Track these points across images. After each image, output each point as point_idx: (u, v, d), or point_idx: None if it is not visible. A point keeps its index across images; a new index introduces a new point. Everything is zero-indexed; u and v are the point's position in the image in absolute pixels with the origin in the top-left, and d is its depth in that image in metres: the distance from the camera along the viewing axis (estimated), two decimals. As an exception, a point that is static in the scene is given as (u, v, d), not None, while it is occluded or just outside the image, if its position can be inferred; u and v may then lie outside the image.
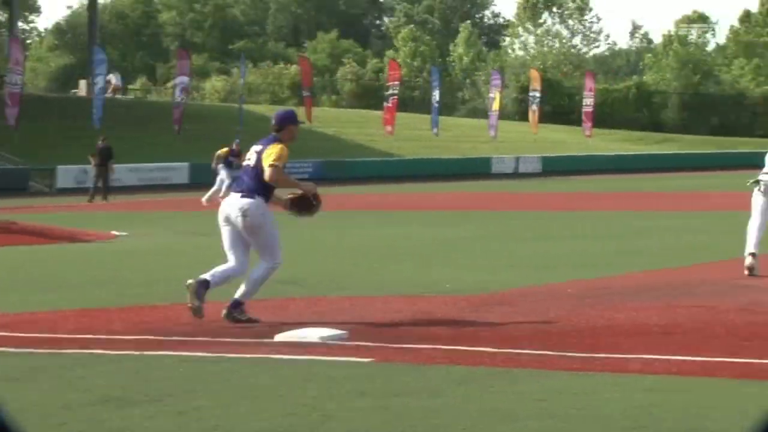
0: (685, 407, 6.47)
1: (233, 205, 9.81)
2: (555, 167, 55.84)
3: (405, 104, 71.12)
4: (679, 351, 8.18)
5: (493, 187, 41.49)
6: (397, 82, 60.14)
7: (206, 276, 9.68)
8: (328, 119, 61.93)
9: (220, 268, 9.80)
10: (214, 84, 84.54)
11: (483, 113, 71.65)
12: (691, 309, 10.28)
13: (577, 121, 71.19)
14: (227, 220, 9.84)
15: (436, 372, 7.63)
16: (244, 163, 10.14)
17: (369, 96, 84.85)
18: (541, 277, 13.06)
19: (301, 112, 59.25)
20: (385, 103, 59.44)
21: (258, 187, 9.76)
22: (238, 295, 9.77)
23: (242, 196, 9.78)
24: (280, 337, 9.01)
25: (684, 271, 13.68)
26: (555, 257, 15.86)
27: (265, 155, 9.74)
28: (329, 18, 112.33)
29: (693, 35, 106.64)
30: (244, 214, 9.69)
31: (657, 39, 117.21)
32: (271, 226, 9.83)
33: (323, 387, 7.19)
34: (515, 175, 53.83)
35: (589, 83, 67.45)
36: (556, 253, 16.54)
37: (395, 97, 58.28)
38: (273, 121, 10.03)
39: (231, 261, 9.85)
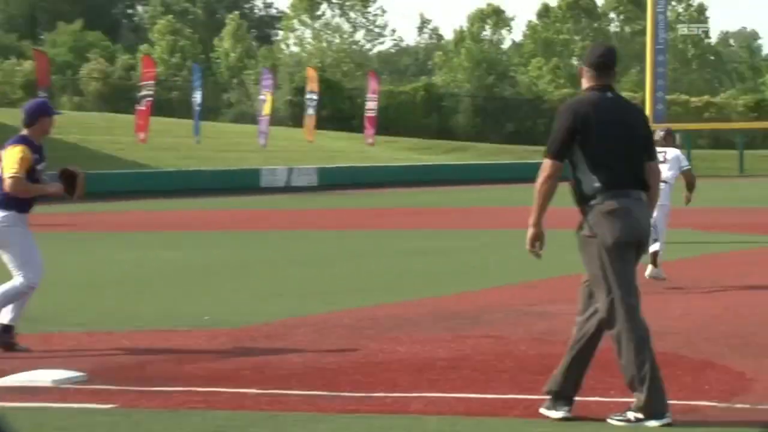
0: (471, 451, 6.59)
1: None
2: (333, 179, 56.30)
3: (162, 107, 70.38)
4: (467, 388, 8.34)
5: (262, 203, 41.52)
6: (152, 82, 59.57)
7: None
8: (69, 124, 60.70)
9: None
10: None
11: (252, 118, 71.67)
12: (480, 340, 10.51)
13: (359, 128, 72.00)
14: None
15: (189, 418, 7.56)
16: None
17: (118, 98, 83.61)
18: (313, 306, 13.11)
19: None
20: (137, 106, 58.75)
21: (3, 198, 9.84)
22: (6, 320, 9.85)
23: None
24: (4, 381, 8.76)
25: (472, 296, 13.96)
26: (330, 283, 15.97)
27: (5, 164, 9.81)
28: (72, 6, 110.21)
29: (487, 31, 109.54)
30: None
31: (448, 35, 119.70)
32: (21, 241, 9.91)
33: (56, 439, 7.01)
34: (287, 188, 54.00)
35: (372, 84, 68.37)
36: (331, 277, 16.65)
37: (150, 99, 57.69)
38: (22, 115, 10.06)
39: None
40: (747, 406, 7.67)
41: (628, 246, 7.38)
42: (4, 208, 9.85)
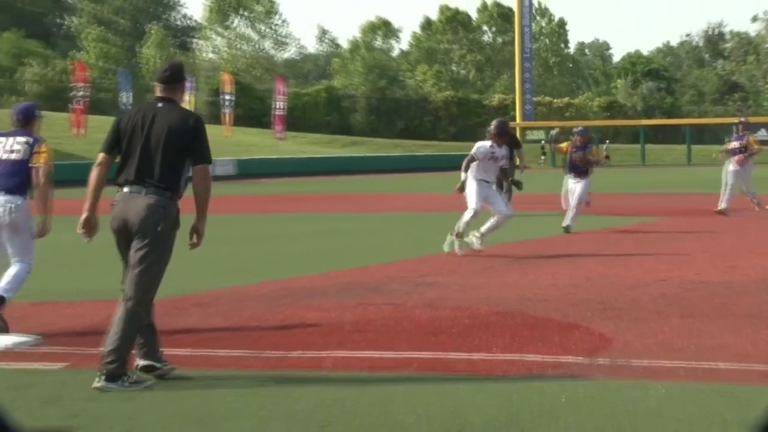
0: (375, 401, 6.66)
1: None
2: (248, 170, 56.03)
3: (95, 106, 69.45)
4: (370, 347, 8.41)
5: (187, 191, 41.12)
6: (84, 84, 58.73)
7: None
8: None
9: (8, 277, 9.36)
10: None
11: (174, 116, 70.93)
12: (381, 307, 10.57)
13: (269, 124, 71.73)
14: None
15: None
16: (3, 157, 9.47)
17: (55, 98, 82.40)
18: (235, 279, 13.10)
19: (-17, 113, 56.72)
20: (71, 105, 57.89)
21: (23, 181, 9.39)
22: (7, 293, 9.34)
23: (10, 193, 9.37)
24: (-35, 346, 8.65)
25: (372, 269, 14.03)
26: (249, 259, 15.96)
27: (42, 156, 9.38)
28: (10, 17, 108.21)
29: (378, 41, 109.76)
30: (14, 210, 9.34)
31: (344, 44, 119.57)
32: (31, 227, 9.50)
33: (11, 395, 6.92)
34: (208, 177, 53.59)
35: (279, 87, 68.10)
36: (250, 255, 16.64)
37: (83, 99, 56.89)
38: (18, 116, 9.64)
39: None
40: (607, 361, 7.82)
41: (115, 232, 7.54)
42: (24, 195, 9.43)
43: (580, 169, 19.47)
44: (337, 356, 8.08)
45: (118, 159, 7.60)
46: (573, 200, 19.34)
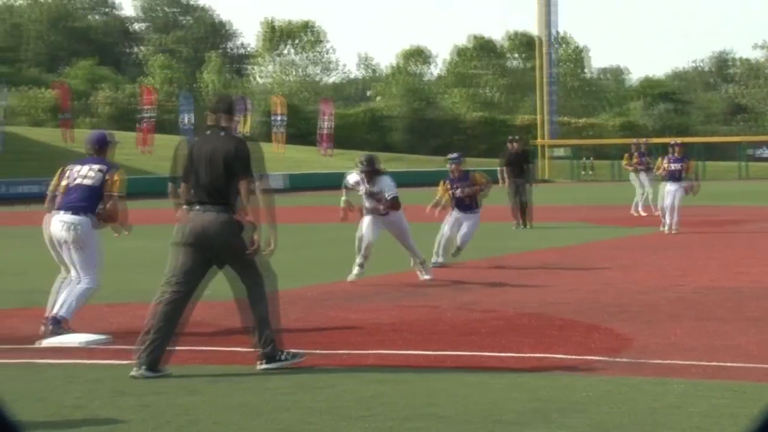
0: (414, 395, 6.64)
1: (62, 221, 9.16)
2: (299, 183, 56.15)
3: (161, 126, 69.86)
4: (408, 346, 8.38)
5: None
6: (150, 106, 59.20)
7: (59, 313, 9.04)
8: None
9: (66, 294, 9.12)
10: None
11: (231, 135, 71.25)
12: (417, 309, 10.56)
13: (316, 142, 71.93)
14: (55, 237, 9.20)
15: (193, 371, 7.55)
16: (77, 182, 9.25)
17: (125, 119, 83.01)
18: (284, 283, 13.01)
19: (59, 133, 57.20)
20: (138, 125, 58.36)
21: (92, 205, 9.22)
22: (63, 312, 9.09)
23: (73, 213, 9.14)
24: (44, 343, 8.72)
25: (409, 274, 13.95)
26: (297, 265, 15.93)
27: (118, 185, 9.28)
28: (86, 46, 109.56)
29: (415, 66, 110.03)
30: (75, 228, 9.11)
31: (384, 69, 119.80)
32: (97, 244, 9.29)
33: (86, 388, 7.00)
34: (262, 190, 53.75)
35: (326, 108, 68.24)
36: (299, 260, 16.61)
37: (150, 119, 57.32)
38: (96, 145, 9.49)
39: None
40: (626, 360, 7.77)
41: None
42: (85, 213, 9.16)
43: (466, 204, 15.70)
44: (378, 354, 8.06)
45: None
46: (461, 239, 15.68)
